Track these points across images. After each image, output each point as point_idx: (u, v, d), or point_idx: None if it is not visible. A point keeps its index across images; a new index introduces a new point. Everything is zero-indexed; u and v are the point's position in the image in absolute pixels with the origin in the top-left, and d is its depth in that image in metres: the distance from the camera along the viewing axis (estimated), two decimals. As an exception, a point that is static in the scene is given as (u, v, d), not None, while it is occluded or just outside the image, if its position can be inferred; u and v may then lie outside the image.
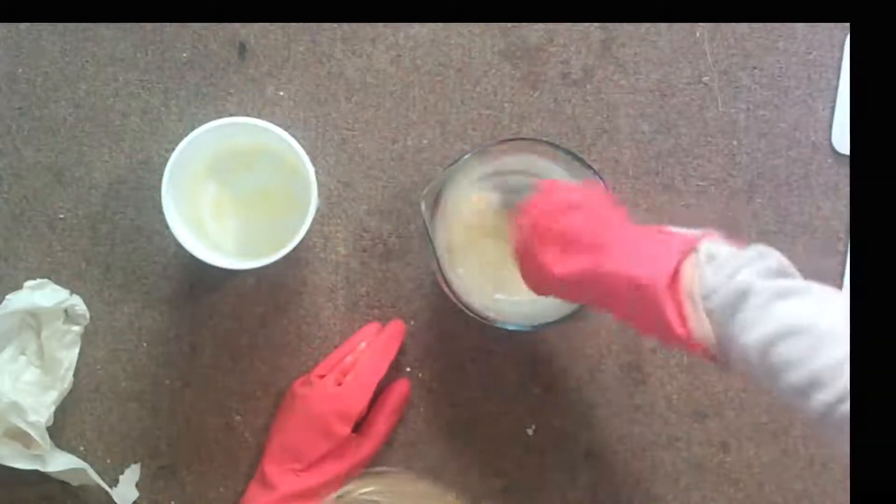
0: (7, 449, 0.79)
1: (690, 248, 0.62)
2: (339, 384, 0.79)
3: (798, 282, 0.59)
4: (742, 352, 0.58)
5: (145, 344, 0.84)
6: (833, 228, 0.85)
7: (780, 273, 0.59)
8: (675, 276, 0.61)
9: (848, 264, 0.84)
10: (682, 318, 0.60)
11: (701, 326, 0.60)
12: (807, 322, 0.55)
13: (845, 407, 0.52)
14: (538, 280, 0.70)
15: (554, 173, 0.79)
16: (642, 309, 0.62)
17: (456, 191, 0.78)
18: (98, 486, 0.81)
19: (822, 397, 0.53)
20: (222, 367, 0.84)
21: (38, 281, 0.82)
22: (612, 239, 0.66)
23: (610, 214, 0.69)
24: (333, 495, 0.56)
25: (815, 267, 0.83)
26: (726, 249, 0.62)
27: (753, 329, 0.57)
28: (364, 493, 0.55)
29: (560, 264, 0.67)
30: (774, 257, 0.60)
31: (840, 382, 0.53)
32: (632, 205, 0.84)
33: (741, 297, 0.58)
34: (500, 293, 0.81)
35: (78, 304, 0.82)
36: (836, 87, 0.85)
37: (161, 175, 0.76)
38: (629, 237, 0.66)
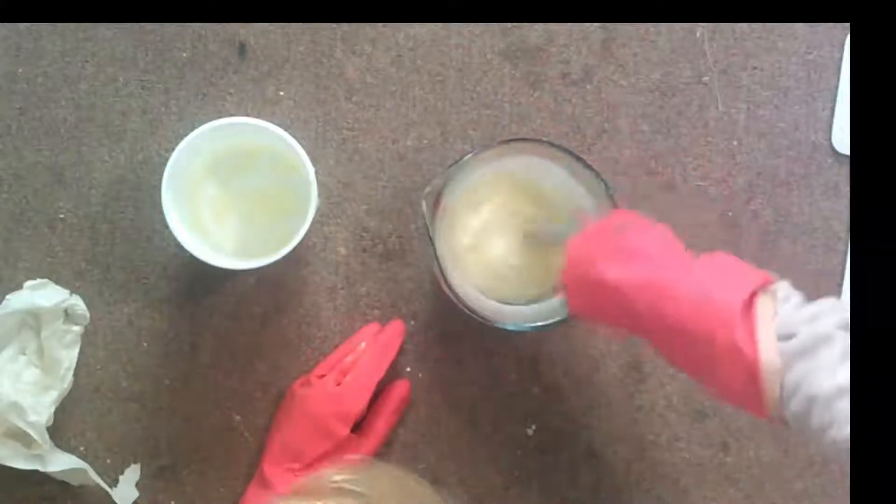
0: (7, 449, 0.79)
1: (765, 283, 0.61)
2: (339, 384, 0.79)
3: None
4: (804, 401, 0.56)
5: (145, 344, 0.84)
6: (833, 228, 0.85)
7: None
8: (749, 305, 0.59)
9: (848, 264, 0.84)
10: (754, 344, 0.58)
11: (772, 358, 0.57)
12: None
13: None
14: (589, 295, 0.68)
15: (554, 173, 0.79)
16: (701, 334, 0.60)
17: (456, 190, 0.78)
18: (98, 486, 0.81)
19: None
20: (222, 367, 0.84)
21: (39, 281, 0.82)
22: (678, 259, 0.65)
23: (673, 239, 0.67)
24: (306, 481, 0.56)
25: (815, 267, 0.84)
26: (798, 294, 0.61)
27: (826, 379, 0.55)
28: (338, 481, 0.55)
29: (617, 270, 0.64)
30: (846, 311, 0.59)
31: None
32: (632, 205, 0.84)
33: (820, 343, 0.56)
34: (500, 293, 0.81)
35: (78, 303, 0.82)
36: (836, 87, 0.85)
37: (161, 175, 0.76)
38: (696, 260, 0.64)
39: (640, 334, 0.66)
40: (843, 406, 0.55)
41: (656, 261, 0.64)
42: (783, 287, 0.61)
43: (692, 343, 0.61)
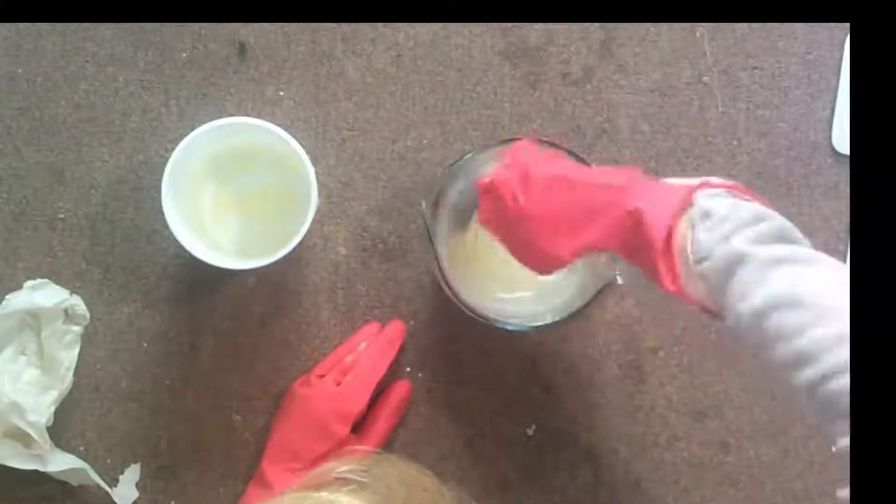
0: (7, 449, 0.79)
1: (688, 202, 0.60)
2: (339, 384, 0.79)
3: (797, 249, 0.57)
4: (736, 319, 0.57)
5: (145, 344, 0.84)
6: (833, 228, 0.85)
7: (780, 237, 0.58)
8: (669, 233, 0.60)
9: (848, 264, 0.84)
10: (675, 277, 0.59)
11: (695, 288, 0.59)
12: (800, 293, 0.54)
13: (832, 384, 0.52)
14: (543, 262, 0.69)
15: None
16: (642, 252, 0.61)
17: (456, 191, 0.78)
18: (98, 486, 0.81)
19: (809, 373, 0.53)
20: (222, 367, 0.84)
21: (38, 281, 0.82)
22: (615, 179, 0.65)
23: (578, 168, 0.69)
24: (311, 473, 0.56)
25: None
26: (724, 204, 0.59)
27: (745, 298, 0.56)
28: (343, 472, 0.55)
29: (564, 245, 0.65)
30: (773, 220, 0.58)
31: (828, 359, 0.52)
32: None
33: (734, 263, 0.57)
34: (500, 293, 0.81)
35: (78, 303, 0.82)
36: (836, 87, 0.85)
37: (161, 175, 0.76)
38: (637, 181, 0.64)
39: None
40: (773, 322, 0.54)
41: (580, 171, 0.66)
42: (701, 203, 0.60)
43: (635, 258, 0.63)
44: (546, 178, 0.66)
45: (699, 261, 0.59)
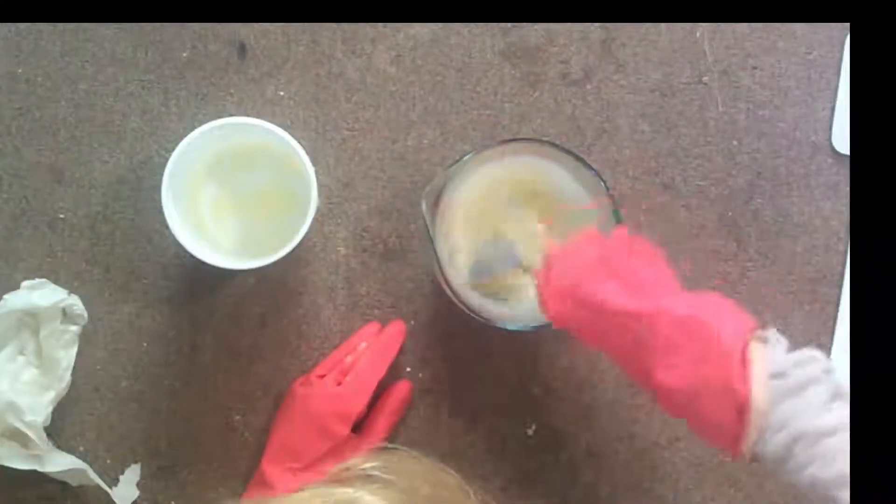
0: (5, 449, 0.79)
1: (755, 327, 0.62)
2: (339, 384, 0.79)
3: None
4: (788, 438, 0.58)
5: (145, 344, 0.84)
6: (833, 228, 0.85)
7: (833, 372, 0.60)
8: (742, 348, 0.61)
9: (848, 264, 0.84)
10: (747, 383, 0.59)
11: (763, 396, 0.59)
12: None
13: None
14: (579, 315, 0.68)
15: (554, 173, 0.79)
16: (691, 370, 0.61)
17: (456, 191, 0.78)
18: (98, 486, 0.81)
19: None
20: (222, 367, 0.84)
21: (36, 280, 0.82)
22: (671, 291, 0.66)
23: (666, 269, 0.68)
24: (336, 468, 0.56)
25: (816, 267, 0.84)
26: (784, 340, 0.62)
27: (814, 418, 0.57)
28: (366, 468, 0.55)
29: (619, 297, 0.65)
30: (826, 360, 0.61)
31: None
32: (632, 205, 0.84)
33: (809, 384, 0.58)
34: (498, 293, 0.81)
35: (76, 303, 0.82)
36: (836, 87, 0.85)
37: (161, 175, 0.76)
38: (690, 297, 0.65)
39: (614, 354, 0.67)
40: (827, 445, 0.56)
41: (656, 292, 0.65)
42: (773, 333, 0.63)
43: (681, 379, 0.62)
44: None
45: (776, 376, 0.59)
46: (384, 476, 0.55)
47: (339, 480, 0.55)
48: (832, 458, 0.56)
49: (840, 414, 0.57)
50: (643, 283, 0.66)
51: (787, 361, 0.60)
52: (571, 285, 0.68)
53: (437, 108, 0.85)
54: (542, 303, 0.71)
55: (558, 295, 0.69)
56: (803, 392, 0.58)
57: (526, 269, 0.75)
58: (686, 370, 0.62)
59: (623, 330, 0.65)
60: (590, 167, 0.75)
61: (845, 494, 0.55)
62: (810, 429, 0.57)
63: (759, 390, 0.59)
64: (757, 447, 0.60)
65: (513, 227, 0.80)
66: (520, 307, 0.80)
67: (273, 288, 0.84)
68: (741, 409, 0.59)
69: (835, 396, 0.58)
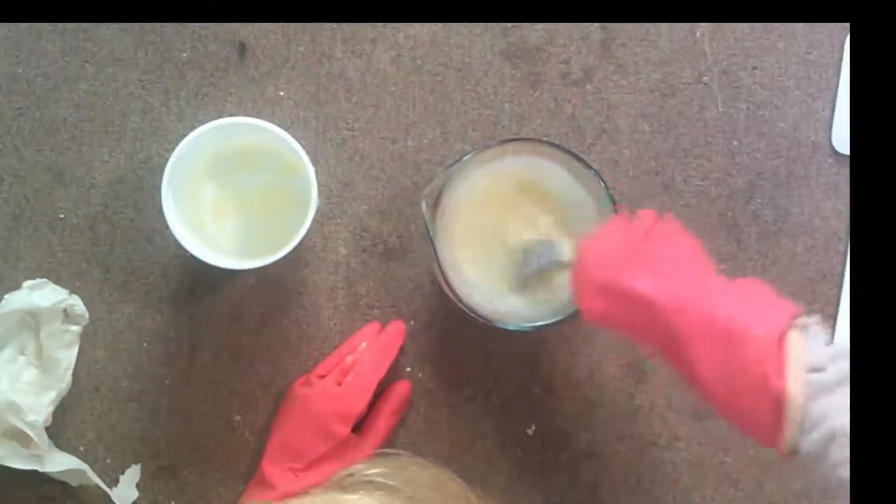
0: (5, 449, 0.79)
1: (796, 315, 0.60)
2: (340, 384, 0.79)
3: None
4: (825, 435, 0.56)
5: (145, 344, 0.84)
6: (833, 228, 0.85)
7: None
8: (781, 338, 0.59)
9: (848, 264, 0.84)
10: (783, 377, 0.58)
11: (800, 391, 0.57)
12: None
13: None
14: (610, 305, 0.66)
15: (554, 173, 0.79)
16: (732, 363, 0.60)
17: (456, 191, 0.78)
18: (98, 486, 0.81)
19: None
20: (222, 367, 0.84)
21: (37, 281, 0.82)
22: (710, 280, 0.64)
23: (703, 256, 0.66)
24: (342, 473, 0.56)
25: (816, 267, 0.84)
26: (823, 330, 0.61)
27: (846, 419, 0.55)
28: (371, 474, 0.55)
29: (649, 282, 0.63)
30: None
31: None
32: (632, 205, 0.84)
33: (846, 381, 0.56)
34: (500, 293, 0.81)
35: (77, 303, 0.82)
36: (836, 87, 0.85)
37: (161, 175, 0.76)
38: (729, 285, 0.64)
39: (653, 346, 0.66)
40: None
41: (687, 278, 0.63)
42: (813, 322, 0.61)
43: (715, 369, 0.61)
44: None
45: (813, 370, 0.58)
46: (388, 482, 0.54)
47: (343, 487, 0.55)
48: None
49: None
50: (675, 270, 0.64)
51: (825, 354, 0.58)
52: (602, 277, 0.66)
53: (437, 108, 0.85)
54: (577, 297, 0.69)
55: (592, 287, 0.67)
56: (839, 389, 0.56)
57: (567, 268, 0.73)
58: (722, 363, 0.60)
59: (655, 321, 0.63)
60: (590, 167, 0.75)
61: None
62: (845, 427, 0.55)
63: (797, 384, 0.57)
64: (796, 443, 0.58)
65: (513, 227, 0.80)
66: (521, 307, 0.80)
67: (273, 288, 0.84)
68: (778, 403, 0.58)
69: None
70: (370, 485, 0.54)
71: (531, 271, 0.77)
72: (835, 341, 0.60)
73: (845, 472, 0.54)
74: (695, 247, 0.67)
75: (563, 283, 0.79)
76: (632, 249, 0.66)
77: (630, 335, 0.67)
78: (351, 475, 0.56)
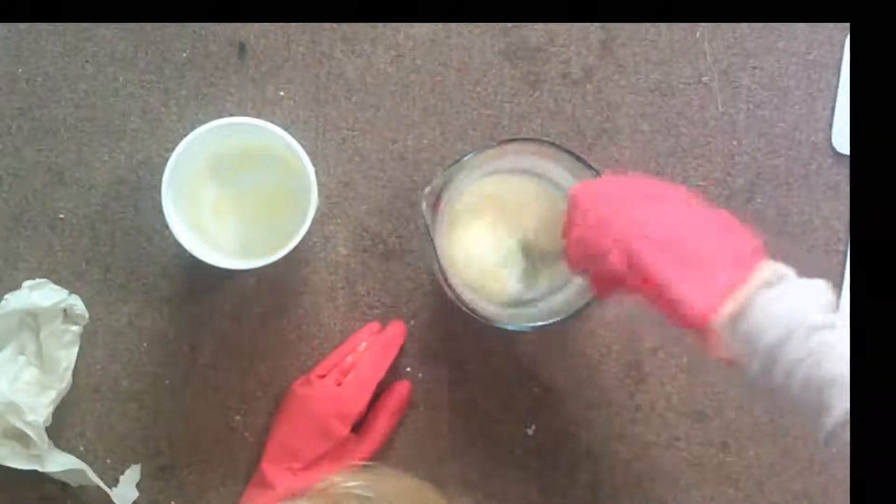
0: (5, 449, 0.79)
1: (756, 262, 0.59)
2: (339, 384, 0.79)
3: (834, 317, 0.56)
4: (777, 336, 0.55)
5: (145, 344, 0.84)
6: (833, 228, 0.85)
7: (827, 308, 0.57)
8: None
9: (848, 264, 0.84)
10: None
11: (747, 294, 0.57)
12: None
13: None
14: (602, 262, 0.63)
15: (554, 174, 0.79)
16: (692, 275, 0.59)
17: (456, 191, 0.78)
18: (98, 486, 0.81)
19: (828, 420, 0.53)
20: (222, 367, 0.84)
21: (37, 281, 0.82)
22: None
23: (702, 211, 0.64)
24: (317, 486, 0.56)
25: (816, 267, 0.84)
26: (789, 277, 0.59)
27: (811, 314, 0.55)
28: (348, 487, 0.55)
29: (652, 257, 0.60)
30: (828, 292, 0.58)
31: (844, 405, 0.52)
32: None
33: (807, 289, 0.57)
34: (498, 294, 0.81)
35: (77, 303, 0.82)
36: (836, 87, 0.85)
37: (161, 175, 0.76)
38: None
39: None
40: (824, 339, 0.54)
41: (690, 254, 0.61)
42: (771, 269, 0.59)
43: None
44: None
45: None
46: (364, 493, 0.55)
47: (319, 498, 0.55)
48: (828, 353, 0.53)
49: (841, 317, 0.54)
50: (684, 243, 0.61)
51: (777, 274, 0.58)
52: (617, 218, 0.63)
53: (437, 108, 0.85)
54: (571, 246, 0.67)
55: (596, 230, 0.64)
56: (801, 293, 0.56)
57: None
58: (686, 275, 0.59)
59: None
60: (590, 167, 0.75)
61: (840, 398, 0.52)
62: (805, 323, 0.54)
63: (747, 290, 0.57)
64: (732, 342, 0.57)
65: (513, 226, 0.80)
66: (520, 307, 0.80)
67: (273, 288, 0.84)
68: (720, 294, 0.57)
69: (834, 308, 0.56)
70: (348, 497, 0.54)
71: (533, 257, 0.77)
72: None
73: (809, 370, 0.53)
74: (695, 207, 0.65)
75: (563, 281, 0.79)
76: (633, 218, 0.63)
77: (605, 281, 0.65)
78: (330, 486, 0.56)
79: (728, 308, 0.57)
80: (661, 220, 0.62)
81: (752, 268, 0.58)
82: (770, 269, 0.59)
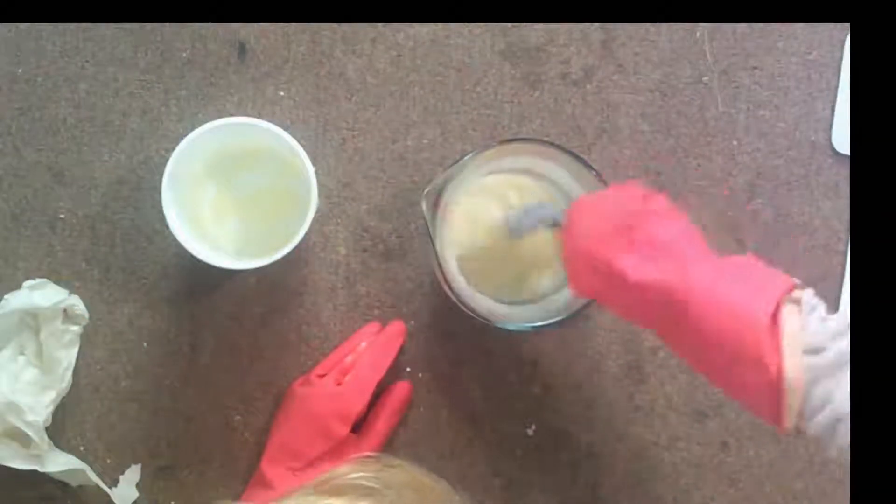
0: (5, 449, 0.79)
1: (790, 290, 0.59)
2: (339, 384, 0.79)
3: None
4: (830, 419, 0.55)
5: (145, 344, 0.84)
6: (833, 228, 0.85)
7: None
8: (775, 315, 0.57)
9: (848, 264, 0.84)
10: (780, 360, 0.56)
11: (797, 375, 0.56)
12: None
13: None
14: (601, 285, 0.65)
15: (554, 174, 0.79)
16: (725, 345, 0.58)
17: (456, 191, 0.78)
18: (98, 486, 0.81)
19: None
20: (222, 367, 0.84)
21: (37, 281, 0.82)
22: (702, 259, 0.62)
23: (696, 234, 0.65)
24: (321, 477, 0.56)
25: (816, 267, 0.84)
26: (822, 303, 0.59)
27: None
28: (354, 478, 0.55)
29: (638, 266, 0.61)
30: None
31: None
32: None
33: (845, 363, 0.55)
34: (500, 293, 0.81)
35: (77, 303, 0.82)
36: (836, 87, 0.85)
37: (161, 175, 0.76)
38: (721, 263, 0.62)
39: (650, 328, 0.65)
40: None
41: (679, 261, 0.62)
42: (808, 296, 0.59)
43: (713, 351, 0.59)
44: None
45: (812, 351, 0.56)
46: (372, 485, 0.54)
47: (327, 490, 0.55)
48: None
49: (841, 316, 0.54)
50: (668, 252, 0.62)
51: (823, 332, 0.56)
52: (591, 251, 0.64)
53: (437, 108, 0.85)
54: (567, 270, 0.68)
55: (579, 258, 0.66)
56: (840, 371, 0.55)
57: (555, 227, 0.71)
58: (720, 345, 0.58)
59: (649, 306, 0.62)
60: (590, 167, 0.75)
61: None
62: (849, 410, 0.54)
63: (794, 367, 0.56)
64: (797, 425, 0.57)
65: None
66: (521, 307, 0.80)
67: (273, 288, 0.84)
68: (775, 386, 0.56)
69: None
70: (354, 488, 0.54)
71: (520, 231, 0.76)
72: (837, 312, 0.58)
73: None
74: (687, 224, 0.65)
75: (564, 283, 0.79)
76: (624, 224, 0.64)
77: (624, 316, 0.66)
78: (334, 478, 0.56)
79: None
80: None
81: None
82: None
